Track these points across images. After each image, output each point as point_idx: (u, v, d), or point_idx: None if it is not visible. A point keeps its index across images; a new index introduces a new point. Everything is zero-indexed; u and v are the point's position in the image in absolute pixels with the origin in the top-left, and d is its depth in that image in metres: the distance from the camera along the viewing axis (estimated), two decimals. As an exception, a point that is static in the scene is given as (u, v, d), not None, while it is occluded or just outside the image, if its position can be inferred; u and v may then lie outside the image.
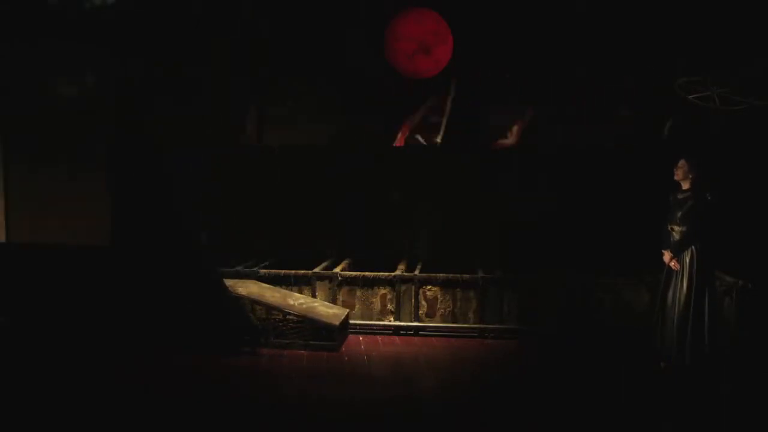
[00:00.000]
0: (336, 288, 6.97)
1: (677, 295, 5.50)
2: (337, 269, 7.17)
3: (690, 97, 7.22)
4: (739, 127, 7.28)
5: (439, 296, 6.90)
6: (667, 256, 5.60)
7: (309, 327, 6.29)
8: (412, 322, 6.88)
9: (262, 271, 7.14)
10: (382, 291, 6.96)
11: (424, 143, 6.36)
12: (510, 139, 6.58)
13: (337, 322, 6.33)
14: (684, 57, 7.35)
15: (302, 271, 7.07)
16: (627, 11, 7.40)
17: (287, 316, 6.33)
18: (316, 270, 7.13)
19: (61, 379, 5.47)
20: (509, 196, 7.72)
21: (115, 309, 6.31)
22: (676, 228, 5.55)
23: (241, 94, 8.10)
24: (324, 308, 6.61)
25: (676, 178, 5.60)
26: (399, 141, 6.28)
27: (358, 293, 6.98)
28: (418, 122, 6.24)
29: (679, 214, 5.52)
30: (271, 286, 6.88)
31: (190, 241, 7.05)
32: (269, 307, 6.39)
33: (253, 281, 6.93)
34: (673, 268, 5.54)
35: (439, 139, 6.35)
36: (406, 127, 6.17)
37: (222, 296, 6.37)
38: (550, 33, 7.56)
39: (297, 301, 6.63)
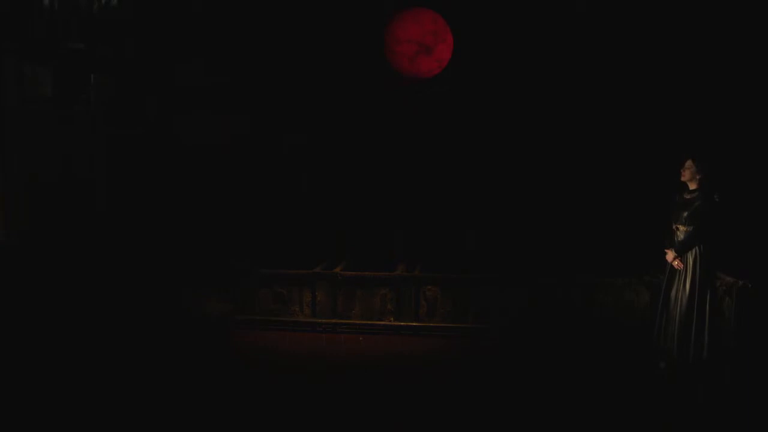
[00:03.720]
0: (336, 288, 6.96)
1: (679, 295, 5.51)
2: (337, 269, 7.17)
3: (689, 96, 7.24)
4: (738, 127, 7.29)
5: (439, 296, 6.90)
6: (670, 255, 5.60)
7: None
8: (412, 322, 6.89)
9: (262, 270, 7.14)
10: (382, 291, 6.95)
11: None
12: None
13: None
14: (682, 57, 7.35)
15: (302, 271, 7.07)
16: (627, 12, 7.40)
17: None
18: (316, 270, 7.13)
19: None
20: (509, 196, 7.73)
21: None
22: (681, 228, 5.53)
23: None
24: None
25: (682, 179, 5.57)
26: None
27: (358, 293, 6.98)
28: None
29: (686, 214, 5.50)
30: None
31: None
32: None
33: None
34: (676, 267, 5.54)
35: None
36: None
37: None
38: (550, 33, 7.56)
39: None
